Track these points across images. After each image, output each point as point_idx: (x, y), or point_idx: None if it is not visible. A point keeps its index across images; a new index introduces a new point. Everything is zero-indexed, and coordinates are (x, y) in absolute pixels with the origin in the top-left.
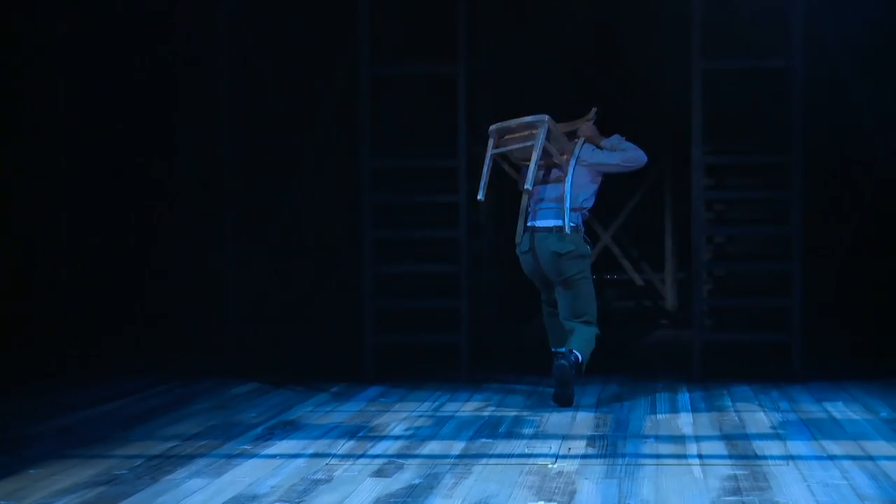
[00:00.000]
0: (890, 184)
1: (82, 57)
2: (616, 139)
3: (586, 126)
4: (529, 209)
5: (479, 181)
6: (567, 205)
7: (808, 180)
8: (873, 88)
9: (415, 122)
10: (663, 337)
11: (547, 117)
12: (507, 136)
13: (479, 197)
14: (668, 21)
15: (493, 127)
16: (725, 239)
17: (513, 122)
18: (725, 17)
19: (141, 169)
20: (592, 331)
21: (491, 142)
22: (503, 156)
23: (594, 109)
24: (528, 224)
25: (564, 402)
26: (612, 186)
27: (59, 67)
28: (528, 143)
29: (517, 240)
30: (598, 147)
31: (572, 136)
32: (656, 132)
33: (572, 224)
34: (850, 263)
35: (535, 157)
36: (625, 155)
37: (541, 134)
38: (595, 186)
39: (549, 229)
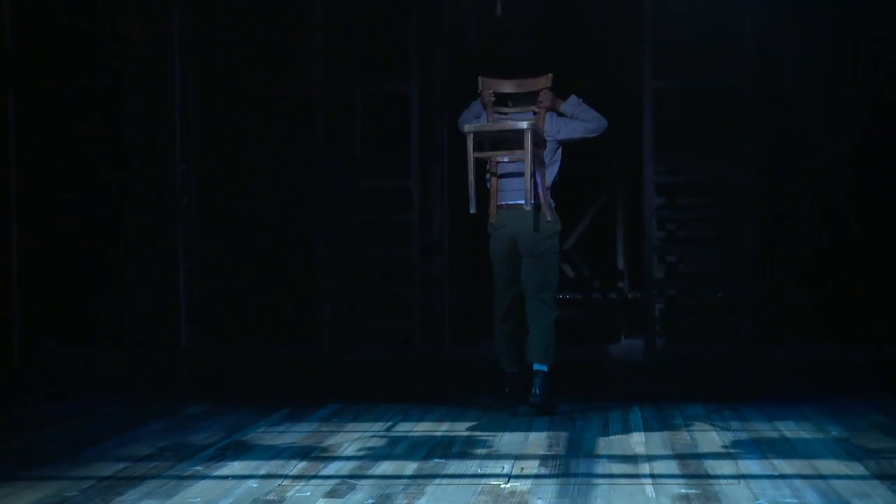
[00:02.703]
0: (839, 201)
1: (30, 68)
2: (574, 103)
3: (545, 95)
4: (502, 188)
5: (468, 192)
6: (541, 184)
7: (759, 198)
8: (823, 107)
9: (369, 140)
10: (616, 356)
11: (526, 126)
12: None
13: (471, 210)
14: (619, 39)
15: (471, 128)
16: (678, 257)
17: (494, 127)
18: (677, 36)
19: (93, 185)
20: (551, 318)
21: (470, 145)
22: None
23: (550, 75)
24: (504, 202)
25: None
26: (563, 207)
27: (6, 79)
28: (516, 154)
29: (491, 220)
30: (558, 113)
31: (533, 96)
32: (608, 150)
33: (551, 201)
34: (802, 282)
35: (527, 171)
36: (587, 126)
37: (527, 144)
38: (559, 162)
39: (523, 206)
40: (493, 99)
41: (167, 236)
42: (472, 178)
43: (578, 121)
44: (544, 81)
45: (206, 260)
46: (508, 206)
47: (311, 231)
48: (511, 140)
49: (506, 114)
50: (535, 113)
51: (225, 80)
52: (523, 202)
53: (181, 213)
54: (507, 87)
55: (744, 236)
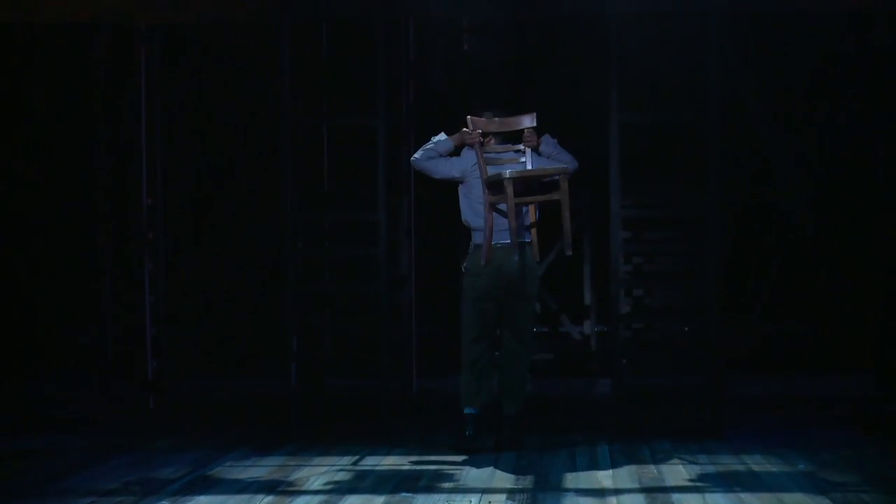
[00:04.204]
0: (806, 234)
1: None
2: (552, 144)
3: (531, 134)
4: (497, 228)
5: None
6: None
7: (725, 232)
8: (787, 141)
9: (336, 174)
10: (583, 390)
11: (567, 172)
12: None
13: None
14: (585, 74)
15: (512, 174)
16: (644, 291)
17: (534, 173)
18: (642, 71)
19: (59, 220)
20: (529, 360)
21: (510, 191)
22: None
23: (535, 114)
24: (497, 242)
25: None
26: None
27: None
28: (553, 196)
29: (483, 260)
30: (538, 152)
31: (519, 134)
32: (574, 183)
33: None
34: (769, 316)
35: (566, 213)
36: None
37: (563, 186)
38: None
39: (512, 246)
40: (482, 139)
41: (133, 270)
42: (514, 223)
43: (556, 161)
44: (529, 120)
45: (172, 293)
46: (501, 245)
47: (278, 264)
48: (536, 183)
49: (487, 151)
50: (516, 152)
51: (192, 115)
52: (510, 241)
53: (147, 247)
54: (493, 125)
55: (710, 270)
